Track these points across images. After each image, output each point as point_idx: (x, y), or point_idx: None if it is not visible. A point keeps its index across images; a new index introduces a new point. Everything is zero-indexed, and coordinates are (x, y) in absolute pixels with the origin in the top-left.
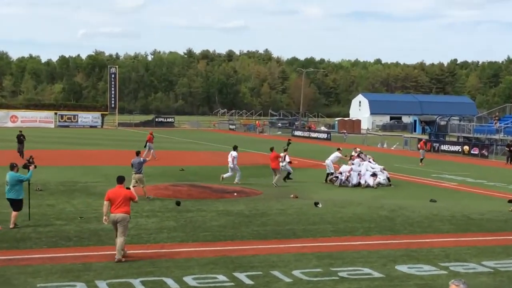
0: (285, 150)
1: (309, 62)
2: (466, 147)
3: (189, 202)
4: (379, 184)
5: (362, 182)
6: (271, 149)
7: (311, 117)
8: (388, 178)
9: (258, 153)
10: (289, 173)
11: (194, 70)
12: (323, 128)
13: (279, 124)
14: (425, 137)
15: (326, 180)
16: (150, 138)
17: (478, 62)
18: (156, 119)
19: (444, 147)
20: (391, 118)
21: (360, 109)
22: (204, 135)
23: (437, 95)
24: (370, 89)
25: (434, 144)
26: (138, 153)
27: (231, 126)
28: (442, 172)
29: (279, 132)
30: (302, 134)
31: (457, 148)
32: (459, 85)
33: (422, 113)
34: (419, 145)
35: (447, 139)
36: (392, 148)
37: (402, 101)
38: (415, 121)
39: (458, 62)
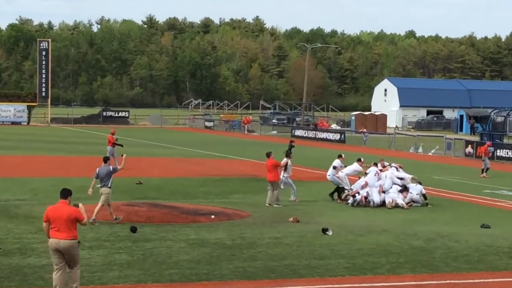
0: (287, 156)
1: (316, 35)
2: None
3: (148, 228)
4: (411, 202)
5: (388, 200)
6: (268, 155)
7: (318, 110)
8: (424, 195)
9: (245, 160)
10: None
11: (157, 45)
12: (334, 126)
13: (274, 121)
14: (476, 138)
15: (339, 197)
16: (111, 139)
17: None
18: (104, 113)
19: (502, 153)
20: (429, 113)
21: (386, 100)
22: (170, 136)
23: (492, 81)
24: (400, 72)
25: (488, 149)
26: (106, 160)
27: (207, 123)
28: (498, 186)
29: (274, 132)
30: (306, 135)
31: None
32: None
33: (471, 106)
34: (480, 152)
35: (505, 141)
36: (430, 154)
37: (444, 89)
38: (461, 116)
39: None
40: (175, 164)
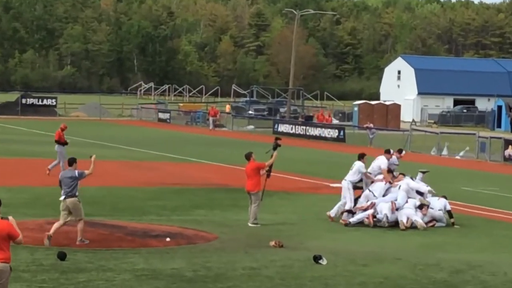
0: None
1: None
2: None
3: (82, 254)
4: (432, 221)
5: (402, 219)
6: (248, 157)
7: (309, 98)
8: (449, 212)
9: (211, 164)
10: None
11: (95, 10)
12: (331, 120)
13: (250, 112)
14: None
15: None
16: (60, 135)
17: None
18: (23, 101)
19: None
20: (456, 103)
21: (399, 85)
22: (112, 131)
23: None
24: (418, 48)
25: None
26: (72, 162)
27: (162, 115)
28: None
29: (250, 127)
30: (293, 131)
31: None
32: None
33: None
34: None
35: None
36: (458, 157)
37: (476, 72)
38: (499, 107)
39: None
40: (119, 169)
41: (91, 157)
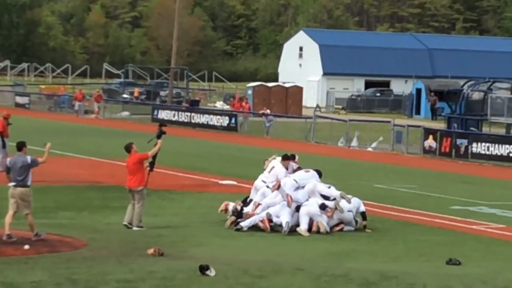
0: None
1: None
2: None
3: None
4: (340, 224)
5: (303, 222)
6: (128, 149)
7: (195, 79)
8: (362, 214)
9: (79, 158)
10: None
11: None
12: (220, 105)
13: (125, 96)
14: (439, 125)
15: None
16: (3, 125)
17: None
18: None
19: (478, 147)
20: (368, 85)
21: (301, 64)
22: None
23: (466, 36)
24: (323, 21)
25: (458, 141)
26: (20, 147)
27: (19, 99)
28: (474, 200)
29: (125, 113)
30: (176, 118)
31: (505, 149)
32: (510, 14)
33: (434, 75)
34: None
35: (483, 130)
36: (370, 149)
37: (391, 49)
38: (418, 90)
39: None
40: None
41: (45, 145)
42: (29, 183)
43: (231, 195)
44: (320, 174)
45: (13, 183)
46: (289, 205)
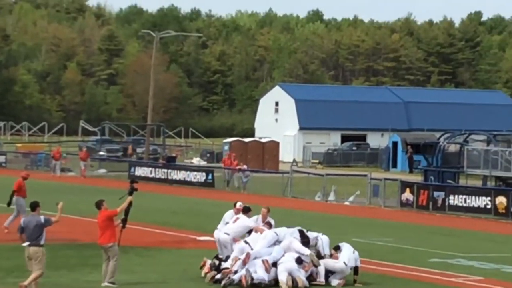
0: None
1: (167, 17)
2: (500, 200)
3: None
4: (328, 278)
5: (282, 278)
6: (99, 206)
7: (172, 136)
8: (355, 268)
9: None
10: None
11: None
12: (197, 161)
13: (101, 153)
14: (416, 178)
15: (203, 273)
16: (21, 185)
17: None
18: None
19: (455, 199)
20: (345, 139)
21: (277, 119)
22: None
23: (440, 89)
24: (299, 76)
25: (435, 194)
26: (34, 206)
27: None
28: (452, 253)
29: (102, 170)
30: (153, 175)
31: (481, 201)
32: (485, 67)
33: (410, 128)
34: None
35: (460, 182)
36: (347, 203)
37: (367, 102)
38: (394, 144)
39: (484, 18)
40: None
41: (57, 204)
42: (42, 242)
43: (209, 251)
44: (301, 232)
45: (27, 243)
46: (267, 271)
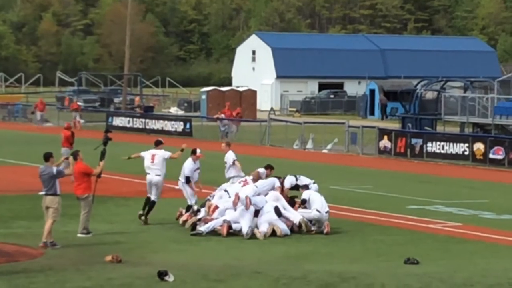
0: (103, 155)
1: None
2: (478, 146)
3: None
4: (301, 225)
5: (262, 229)
6: (75, 156)
7: (149, 85)
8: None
9: (35, 166)
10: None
11: None
12: (174, 111)
13: (79, 103)
14: (394, 124)
15: (181, 221)
16: (68, 137)
17: None
18: None
19: (433, 146)
20: (322, 87)
21: (254, 67)
22: None
23: (417, 36)
24: (275, 24)
25: (413, 141)
26: (48, 157)
27: None
28: (429, 199)
29: (81, 120)
30: (130, 124)
31: (459, 147)
32: (461, 14)
33: (387, 75)
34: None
35: (438, 129)
36: (325, 151)
37: (344, 50)
38: (372, 91)
39: None
40: None
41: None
42: (57, 192)
43: (186, 201)
44: (278, 178)
45: (43, 192)
46: (247, 208)
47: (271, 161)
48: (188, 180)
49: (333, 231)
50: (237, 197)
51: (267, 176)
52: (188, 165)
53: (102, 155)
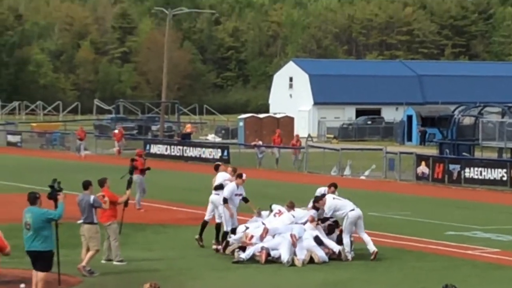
0: (129, 183)
1: None
2: None
3: None
4: (340, 254)
5: (300, 256)
6: (102, 184)
7: (186, 113)
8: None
9: (74, 194)
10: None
11: None
12: (212, 138)
13: (116, 130)
14: (432, 151)
15: (217, 243)
16: (140, 163)
17: None
18: None
19: (471, 172)
20: (360, 113)
21: (291, 94)
22: None
23: (454, 61)
24: (313, 51)
25: (451, 167)
26: (87, 185)
27: (11, 138)
28: (468, 225)
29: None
30: (168, 152)
31: (497, 173)
32: (499, 39)
33: (424, 101)
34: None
35: (476, 154)
36: (363, 177)
37: (381, 76)
38: (409, 117)
39: None
40: None
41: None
42: (95, 220)
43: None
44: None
45: (81, 220)
46: (294, 246)
47: (308, 188)
48: (225, 201)
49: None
50: (266, 231)
51: (333, 193)
52: (230, 188)
53: (129, 183)
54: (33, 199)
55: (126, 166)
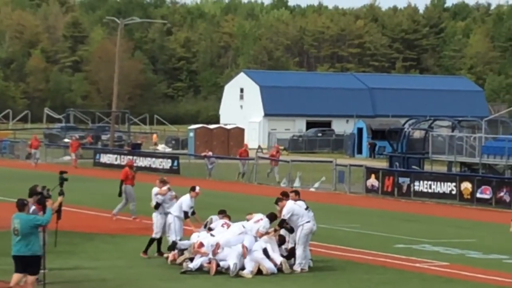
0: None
1: (132, 4)
2: (465, 185)
3: None
4: (281, 265)
5: (248, 268)
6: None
7: (137, 123)
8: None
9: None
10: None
11: None
12: (162, 148)
13: (66, 140)
14: (381, 163)
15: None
16: (128, 174)
17: (489, 4)
18: None
19: (420, 185)
20: (310, 125)
21: (242, 105)
22: None
23: (405, 75)
24: (264, 62)
25: (401, 180)
26: (22, 205)
27: None
28: (417, 238)
29: (68, 157)
30: (118, 162)
31: (447, 186)
32: (449, 53)
33: (375, 114)
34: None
35: (425, 168)
36: (312, 189)
37: (332, 89)
38: (359, 130)
39: (448, 4)
40: None
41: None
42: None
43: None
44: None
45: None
46: (244, 257)
47: (258, 199)
48: (186, 215)
49: (320, 270)
50: (218, 246)
51: (295, 200)
52: (186, 201)
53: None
54: (21, 205)
55: (82, 176)
